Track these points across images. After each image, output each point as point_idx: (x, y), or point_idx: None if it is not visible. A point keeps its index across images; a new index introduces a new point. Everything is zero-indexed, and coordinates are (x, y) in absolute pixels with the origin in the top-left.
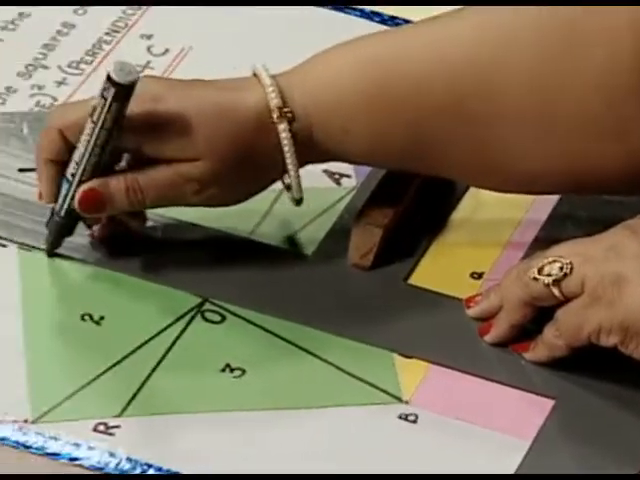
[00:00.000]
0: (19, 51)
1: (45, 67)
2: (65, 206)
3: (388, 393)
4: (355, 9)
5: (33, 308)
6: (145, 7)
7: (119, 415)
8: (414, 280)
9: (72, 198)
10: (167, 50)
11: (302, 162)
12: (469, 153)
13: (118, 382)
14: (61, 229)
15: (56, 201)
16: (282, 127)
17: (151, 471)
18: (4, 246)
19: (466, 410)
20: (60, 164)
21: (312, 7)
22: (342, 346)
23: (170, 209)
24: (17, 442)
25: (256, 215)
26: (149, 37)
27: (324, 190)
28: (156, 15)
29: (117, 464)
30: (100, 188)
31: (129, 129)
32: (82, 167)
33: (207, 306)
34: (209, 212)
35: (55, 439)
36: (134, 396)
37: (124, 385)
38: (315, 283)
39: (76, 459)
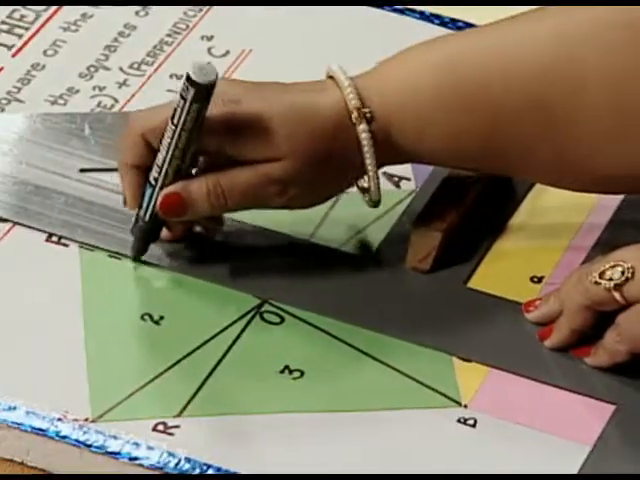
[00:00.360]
0: (81, 52)
1: (106, 68)
2: (149, 211)
3: (447, 397)
4: (414, 11)
5: (93, 308)
6: (206, 8)
7: (178, 415)
8: (474, 284)
9: (156, 203)
10: (228, 52)
11: (379, 163)
12: (547, 153)
13: (177, 382)
14: (146, 234)
15: (140, 207)
16: (361, 127)
17: (210, 471)
18: (66, 246)
19: (525, 414)
20: (143, 169)
21: (371, 8)
22: (401, 349)
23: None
24: (77, 440)
25: (316, 218)
26: (210, 38)
27: (384, 193)
28: (217, 16)
29: (176, 464)
30: (182, 192)
31: (209, 131)
32: (164, 171)
33: (266, 307)
34: (269, 215)
35: (115, 438)
36: (193, 396)
37: (183, 385)
38: (374, 286)
39: (136, 458)
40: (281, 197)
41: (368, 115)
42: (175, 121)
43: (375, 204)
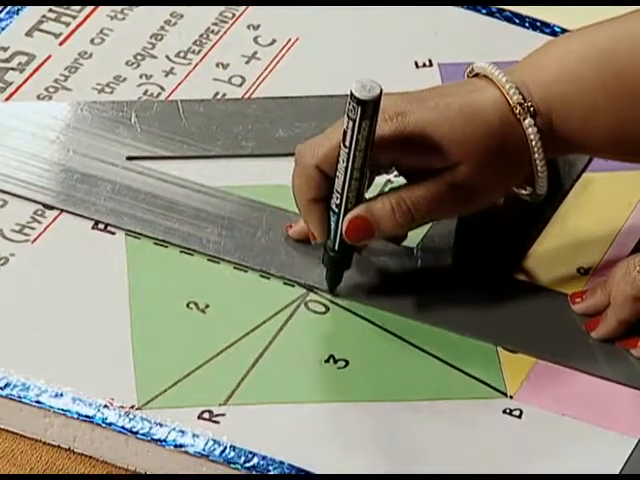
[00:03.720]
0: (128, 40)
1: (153, 56)
2: (337, 239)
3: (493, 388)
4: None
5: (139, 296)
6: None
7: (224, 403)
8: (521, 275)
9: (341, 230)
10: (274, 41)
11: (545, 156)
12: None
13: (223, 370)
14: (338, 263)
15: (329, 237)
16: (527, 122)
17: (255, 459)
18: (112, 233)
19: (572, 406)
20: (324, 200)
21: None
22: (446, 339)
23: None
24: (124, 427)
25: None
26: (256, 27)
27: None
28: (263, 5)
29: (222, 452)
30: (366, 214)
31: (381, 147)
32: (345, 195)
33: (311, 296)
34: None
35: (161, 425)
36: (239, 385)
37: (229, 374)
38: (421, 277)
39: (181, 446)
40: (465, 203)
41: (531, 109)
42: (347, 143)
43: (539, 198)
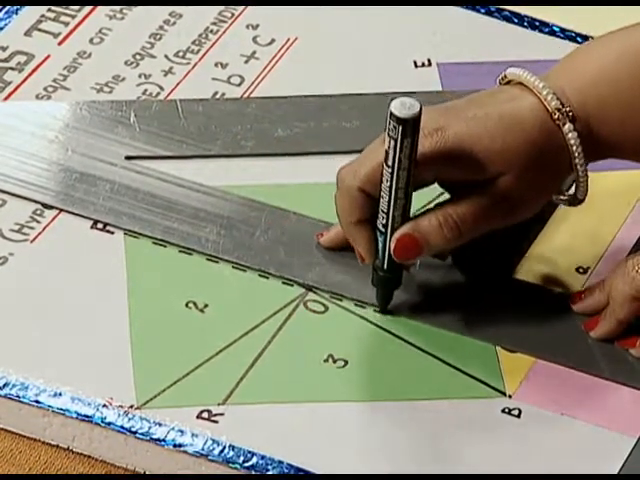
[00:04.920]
0: (127, 40)
1: (152, 56)
2: (386, 259)
3: (492, 387)
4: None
5: (138, 295)
6: None
7: (223, 403)
8: (519, 274)
9: (389, 249)
10: (273, 40)
11: (586, 161)
12: None
13: (222, 370)
14: (389, 283)
15: (377, 257)
16: (567, 127)
17: (254, 459)
18: (111, 233)
19: (571, 405)
20: (369, 221)
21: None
22: (446, 339)
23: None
24: (123, 427)
25: None
26: (255, 27)
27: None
28: (262, 5)
29: (221, 451)
30: (413, 232)
31: (423, 164)
32: (391, 215)
33: (310, 296)
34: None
35: (160, 425)
36: (238, 384)
37: (228, 373)
38: (420, 277)
39: (180, 445)
40: (510, 213)
41: (570, 114)
42: (390, 163)
43: (579, 203)
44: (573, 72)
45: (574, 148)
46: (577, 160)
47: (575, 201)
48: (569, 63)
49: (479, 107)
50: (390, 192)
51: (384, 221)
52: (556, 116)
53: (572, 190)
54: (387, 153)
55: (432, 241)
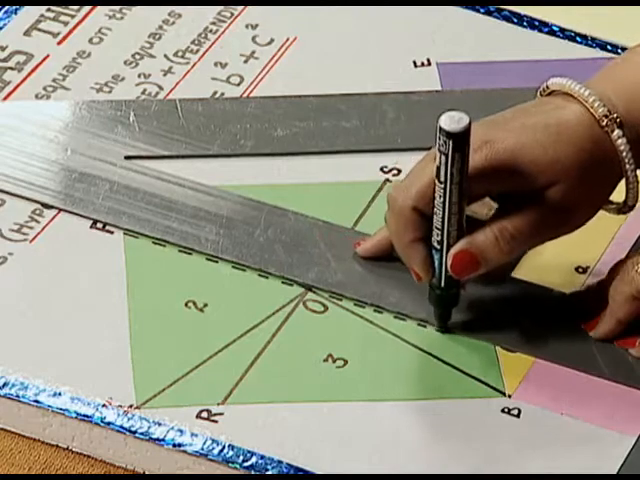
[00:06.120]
0: (126, 40)
1: (151, 56)
2: (443, 277)
3: (491, 387)
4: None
5: (138, 294)
6: None
7: (222, 402)
8: (519, 274)
9: (446, 266)
10: (272, 40)
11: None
12: None
13: (221, 370)
14: (446, 301)
15: (433, 275)
16: (616, 134)
17: (253, 459)
18: (111, 232)
19: (570, 405)
20: (424, 239)
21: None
22: (445, 339)
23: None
24: (122, 427)
25: (358, 208)
26: (254, 27)
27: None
28: (262, 5)
29: (220, 451)
30: (470, 247)
31: (475, 178)
32: (446, 231)
33: (309, 295)
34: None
35: (159, 425)
36: (237, 384)
37: (227, 373)
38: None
39: (180, 445)
40: (564, 223)
41: (618, 120)
42: (442, 178)
43: (629, 210)
44: (615, 79)
45: (624, 154)
46: (627, 166)
47: (625, 208)
48: (610, 71)
49: (525, 118)
50: (444, 208)
51: (439, 238)
52: (604, 123)
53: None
54: (439, 169)
55: (489, 255)
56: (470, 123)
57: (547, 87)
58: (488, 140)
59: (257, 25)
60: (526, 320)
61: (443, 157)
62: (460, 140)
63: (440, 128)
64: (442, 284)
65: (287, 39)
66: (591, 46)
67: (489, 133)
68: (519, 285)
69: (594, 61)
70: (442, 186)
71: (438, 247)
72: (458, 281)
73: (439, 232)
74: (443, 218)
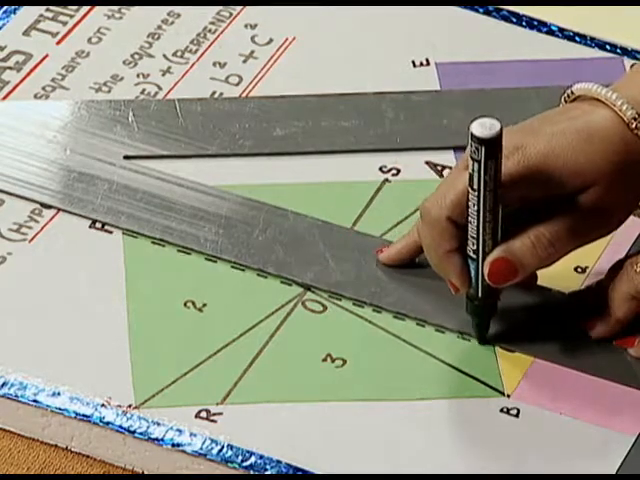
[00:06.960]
0: (125, 40)
1: (150, 56)
2: (480, 287)
3: (490, 387)
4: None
5: (137, 294)
6: None
7: (221, 402)
8: None
9: (483, 275)
10: (271, 40)
11: None
12: None
13: (220, 369)
14: (484, 311)
15: (470, 285)
16: None
17: (252, 458)
18: (110, 232)
19: (569, 405)
20: (460, 249)
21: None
22: (444, 339)
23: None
24: (121, 427)
25: (357, 208)
26: (253, 27)
27: (425, 182)
28: (261, 5)
29: (219, 451)
30: (506, 255)
31: (509, 185)
32: (481, 239)
33: (308, 295)
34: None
35: (158, 424)
36: (236, 384)
37: (226, 373)
38: (420, 278)
39: (179, 445)
40: (600, 226)
41: None
42: (475, 186)
43: None
44: None
45: None
46: None
47: None
48: (635, 75)
49: (554, 124)
50: (478, 216)
51: (475, 247)
52: (633, 125)
53: None
54: (471, 176)
55: (526, 262)
56: (502, 129)
57: (572, 93)
58: (520, 146)
59: (256, 25)
60: (525, 320)
61: (476, 164)
62: (492, 146)
63: (472, 135)
64: (480, 294)
65: (286, 39)
66: (590, 46)
67: (520, 139)
68: (518, 284)
69: (593, 61)
70: (476, 194)
71: (474, 256)
72: (496, 290)
73: (474, 241)
74: (478, 226)
